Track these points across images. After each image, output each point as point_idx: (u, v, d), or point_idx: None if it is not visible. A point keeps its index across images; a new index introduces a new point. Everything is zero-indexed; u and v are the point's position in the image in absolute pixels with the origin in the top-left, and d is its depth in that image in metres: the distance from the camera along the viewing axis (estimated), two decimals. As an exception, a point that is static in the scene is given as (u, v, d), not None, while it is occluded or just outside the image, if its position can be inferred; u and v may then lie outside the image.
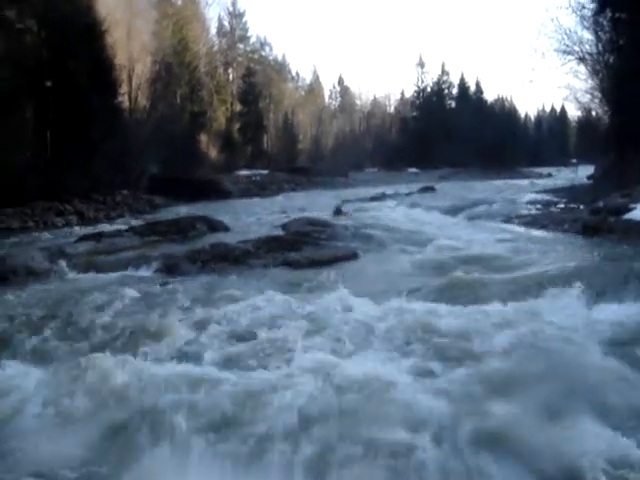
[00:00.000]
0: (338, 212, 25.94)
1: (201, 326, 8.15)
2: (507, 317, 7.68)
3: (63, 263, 13.66)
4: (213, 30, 76.04)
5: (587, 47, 34.81)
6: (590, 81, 36.24)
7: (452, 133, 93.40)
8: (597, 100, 37.71)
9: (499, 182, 58.77)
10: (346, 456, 4.54)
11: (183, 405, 5.29)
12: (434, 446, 4.59)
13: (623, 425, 4.79)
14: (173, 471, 4.57)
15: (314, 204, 35.04)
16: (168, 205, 37.86)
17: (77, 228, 23.95)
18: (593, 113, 43.38)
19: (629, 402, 5.19)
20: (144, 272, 13.33)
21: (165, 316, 8.65)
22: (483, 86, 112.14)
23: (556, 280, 10.06)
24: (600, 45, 33.85)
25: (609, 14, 32.61)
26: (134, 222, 25.28)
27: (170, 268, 13.42)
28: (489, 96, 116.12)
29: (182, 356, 7.01)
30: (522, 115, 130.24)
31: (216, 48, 75.29)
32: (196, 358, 6.93)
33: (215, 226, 21.13)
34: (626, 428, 4.74)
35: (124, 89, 42.98)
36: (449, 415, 5.03)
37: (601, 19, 33.25)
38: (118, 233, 19.68)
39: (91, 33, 34.05)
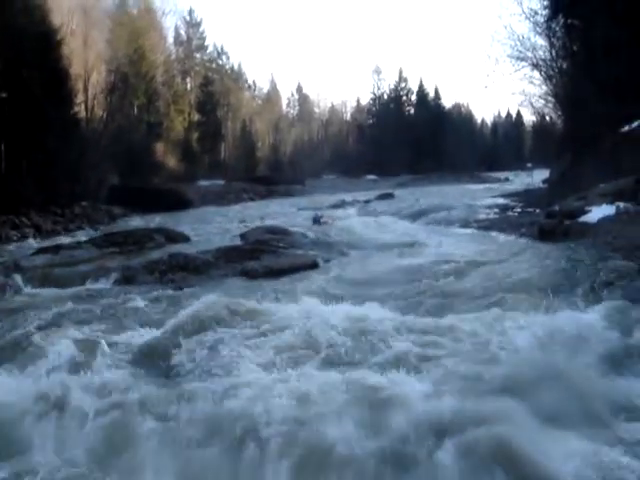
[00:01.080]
0: (317, 221, 25.50)
1: (146, 338, 8.17)
2: (463, 327, 7.75)
3: (18, 277, 13.49)
4: (170, 39, 75.86)
5: (540, 53, 35.30)
6: (544, 87, 36.72)
7: (411, 139, 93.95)
8: (551, 105, 38.25)
9: (457, 187, 59.18)
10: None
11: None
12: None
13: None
14: None
15: (273, 213, 35.14)
16: (127, 215, 37.63)
17: (34, 241, 23.70)
18: (547, 118, 43.95)
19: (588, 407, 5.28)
20: (102, 284, 13.23)
21: (112, 330, 8.59)
22: (441, 92, 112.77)
23: (512, 285, 10.21)
24: (553, 51, 34.32)
25: (562, 20, 33.05)
26: (93, 234, 25.09)
27: (128, 279, 13.37)
28: (447, 102, 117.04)
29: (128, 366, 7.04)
30: (479, 121, 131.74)
31: (173, 57, 74.99)
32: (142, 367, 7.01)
33: (174, 237, 21.07)
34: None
35: (80, 99, 42.61)
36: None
37: (554, 25, 33.69)
38: (76, 245, 19.52)
39: (46, 43, 33.73)
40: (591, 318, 7.64)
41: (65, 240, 22.85)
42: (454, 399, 5.31)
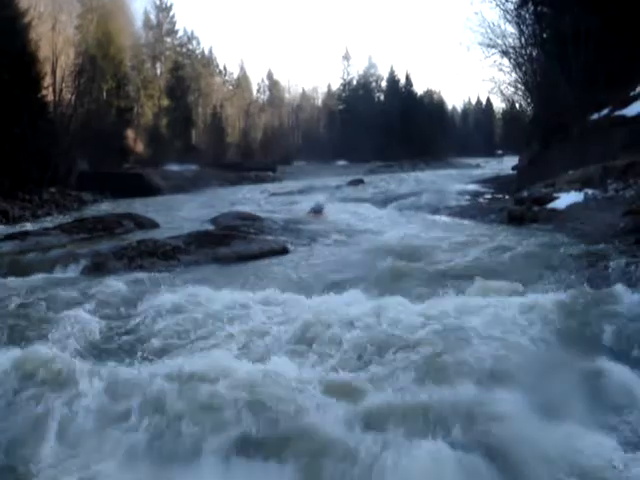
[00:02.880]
0: (319, 210, 22.72)
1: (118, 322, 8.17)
2: (429, 310, 7.83)
3: (-17, 265, 13.38)
4: (140, 24, 75.15)
5: (510, 40, 35.36)
6: (513, 74, 36.79)
7: (381, 125, 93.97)
8: (520, 93, 38.35)
9: (428, 173, 59.35)
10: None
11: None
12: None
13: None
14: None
15: (244, 199, 34.98)
16: (97, 201, 37.28)
17: (1, 227, 23.38)
18: (517, 105, 44.12)
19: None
20: (71, 271, 13.12)
21: (84, 314, 8.57)
22: (412, 79, 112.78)
23: (479, 270, 10.30)
24: (523, 38, 34.41)
25: (531, 8, 33.24)
26: (62, 220, 24.84)
27: (98, 266, 13.26)
28: (418, 89, 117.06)
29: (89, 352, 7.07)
30: (450, 107, 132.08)
31: (142, 41, 74.31)
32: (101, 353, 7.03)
33: (143, 222, 20.96)
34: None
35: (48, 82, 42.12)
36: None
37: (524, 13, 33.86)
38: (45, 232, 19.33)
39: (13, 26, 33.25)
40: (555, 301, 7.76)
41: (33, 226, 22.60)
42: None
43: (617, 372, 5.50)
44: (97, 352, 7.09)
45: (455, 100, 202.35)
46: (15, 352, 6.29)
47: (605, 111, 24.05)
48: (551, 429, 4.62)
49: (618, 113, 22.88)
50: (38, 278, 12.33)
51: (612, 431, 4.71)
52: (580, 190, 17.44)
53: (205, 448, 4.69)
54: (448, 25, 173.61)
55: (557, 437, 4.51)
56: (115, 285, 11.06)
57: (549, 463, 4.25)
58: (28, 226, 23.04)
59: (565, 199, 17.23)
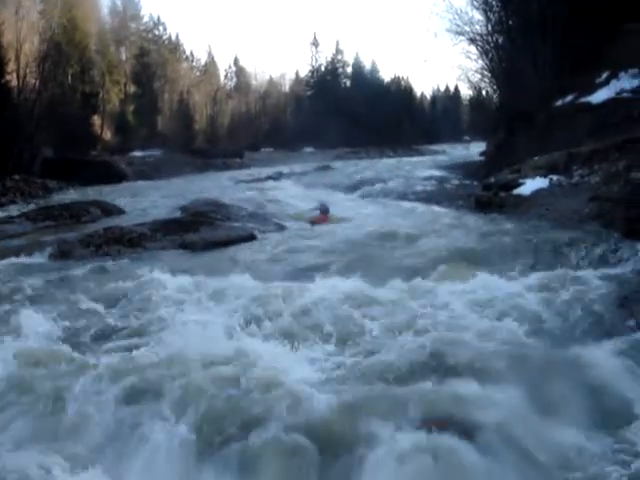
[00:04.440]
0: (325, 211, 17.73)
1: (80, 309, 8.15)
2: (396, 295, 7.89)
3: (-55, 253, 13.23)
4: (105, 9, 74.43)
5: (477, 27, 35.41)
6: (480, 61, 36.87)
7: (348, 112, 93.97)
8: (487, 80, 38.49)
9: (396, 160, 59.45)
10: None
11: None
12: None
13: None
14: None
15: (211, 186, 34.79)
16: (63, 189, 36.95)
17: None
18: (484, 92, 44.27)
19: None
20: (37, 258, 13.03)
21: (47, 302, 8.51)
22: (379, 66, 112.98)
23: (447, 255, 10.36)
24: (490, 26, 34.50)
25: (498, -6, 33.35)
26: (27, 208, 24.60)
27: (64, 253, 13.18)
28: (386, 76, 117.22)
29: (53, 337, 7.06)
30: (418, 94, 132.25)
31: (107, 27, 73.60)
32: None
33: (109, 210, 20.81)
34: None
35: (11, 67, 41.69)
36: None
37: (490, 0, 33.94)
38: (9, 219, 19.18)
39: (-25, 12, 32.91)
40: (522, 286, 7.85)
41: (-3, 214, 22.37)
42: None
43: (585, 355, 5.56)
44: (69, 340, 7.03)
45: (424, 87, 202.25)
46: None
47: (570, 98, 24.21)
48: (521, 416, 4.66)
49: (583, 100, 23.05)
50: (2, 265, 12.22)
51: (584, 417, 4.76)
52: (545, 176, 17.51)
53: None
54: (417, 10, 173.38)
55: (529, 424, 4.56)
56: (80, 272, 11.02)
57: (525, 450, 4.30)
58: (-9, 214, 22.78)
59: (531, 185, 17.30)
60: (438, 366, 5.52)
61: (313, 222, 17.06)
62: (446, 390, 4.98)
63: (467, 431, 4.39)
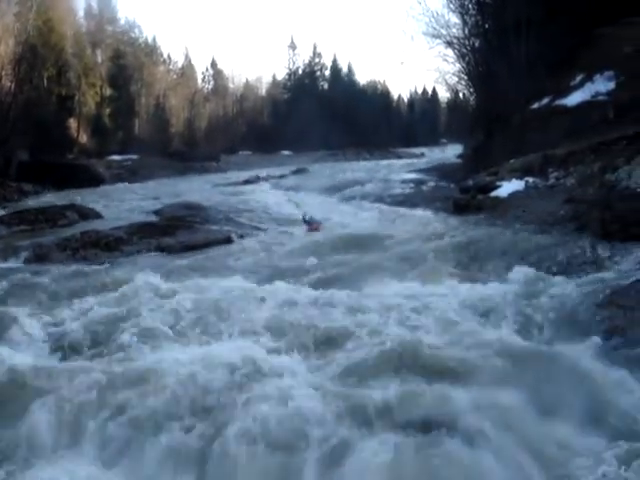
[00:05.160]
0: (308, 223, 16.84)
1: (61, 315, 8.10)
2: (370, 299, 7.92)
3: None
4: (81, 12, 73.98)
5: (454, 31, 35.45)
6: (457, 64, 36.95)
7: (325, 115, 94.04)
8: (464, 82, 38.60)
9: (373, 163, 59.61)
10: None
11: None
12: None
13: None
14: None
15: (189, 190, 34.71)
16: (38, 192, 36.65)
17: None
18: (461, 95, 44.41)
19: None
20: (13, 263, 12.95)
21: (26, 307, 8.44)
22: (356, 68, 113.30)
23: (425, 258, 10.40)
24: (466, 29, 34.58)
25: (474, -3, 33.48)
26: (2, 211, 24.40)
27: (40, 257, 13.12)
28: (362, 78, 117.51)
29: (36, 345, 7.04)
30: (395, 97, 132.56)
31: (84, 30, 73.18)
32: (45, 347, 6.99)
33: (86, 213, 20.71)
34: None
35: (-14, 71, 41.45)
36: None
37: (467, 3, 34.03)
38: (-18, 223, 19.02)
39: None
40: (500, 288, 7.91)
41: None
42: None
43: (556, 356, 5.60)
44: (47, 348, 7.01)
45: (402, 89, 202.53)
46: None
47: (545, 100, 24.37)
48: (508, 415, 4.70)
49: (558, 102, 23.20)
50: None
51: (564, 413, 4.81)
52: (521, 178, 17.62)
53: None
54: (394, 13, 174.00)
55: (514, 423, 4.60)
56: (56, 276, 10.97)
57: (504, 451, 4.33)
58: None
59: (507, 187, 17.40)
60: (416, 368, 5.56)
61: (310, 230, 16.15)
62: (430, 391, 5.00)
63: (454, 431, 4.43)
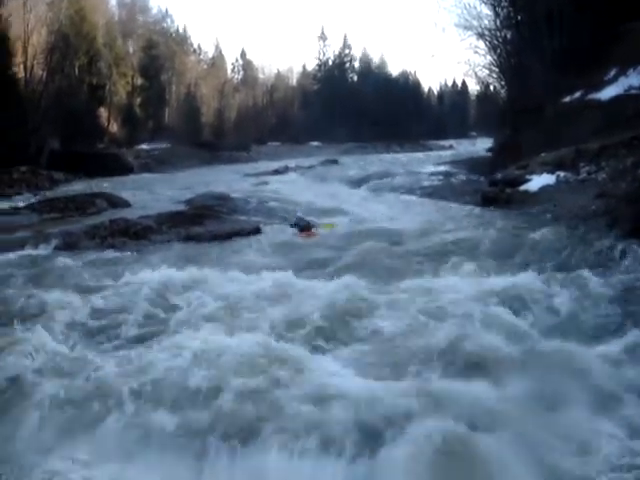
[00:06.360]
0: (299, 226, 14.70)
1: (90, 302, 8.13)
2: (406, 290, 7.88)
3: (-47, 244, 13.25)
4: (113, 1, 74.30)
5: (486, 22, 35.24)
6: (488, 56, 36.70)
7: (355, 107, 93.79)
8: (495, 75, 38.33)
9: (402, 155, 59.43)
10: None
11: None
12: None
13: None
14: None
15: (218, 179, 34.75)
16: (69, 181, 36.89)
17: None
18: (491, 88, 44.10)
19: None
20: (43, 250, 13.03)
21: (56, 294, 8.47)
22: (387, 60, 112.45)
23: (454, 250, 10.34)
24: (498, 21, 34.34)
25: (507, -11, 33.19)
26: (33, 199, 24.60)
27: (69, 245, 13.20)
28: (393, 70, 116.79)
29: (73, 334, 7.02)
30: (425, 89, 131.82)
31: (116, 19, 73.47)
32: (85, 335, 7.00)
33: (116, 202, 20.83)
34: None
35: (19, 59, 41.69)
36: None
37: (499, -6, 33.79)
38: (15, 211, 19.22)
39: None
40: (528, 282, 7.83)
41: (3, 205, 22.34)
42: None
43: (582, 353, 5.55)
44: (80, 334, 7.04)
45: (432, 82, 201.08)
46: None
47: (578, 94, 24.14)
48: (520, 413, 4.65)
49: (591, 96, 22.98)
50: (8, 257, 12.23)
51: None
52: (552, 172, 17.50)
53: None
54: (425, 5, 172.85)
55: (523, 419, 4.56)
56: (85, 264, 11.04)
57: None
58: (-2, 205, 22.77)
59: (538, 181, 17.30)
60: (449, 361, 5.56)
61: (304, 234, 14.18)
62: (458, 385, 4.99)
63: (479, 425, 4.41)
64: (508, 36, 33.96)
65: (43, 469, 4.32)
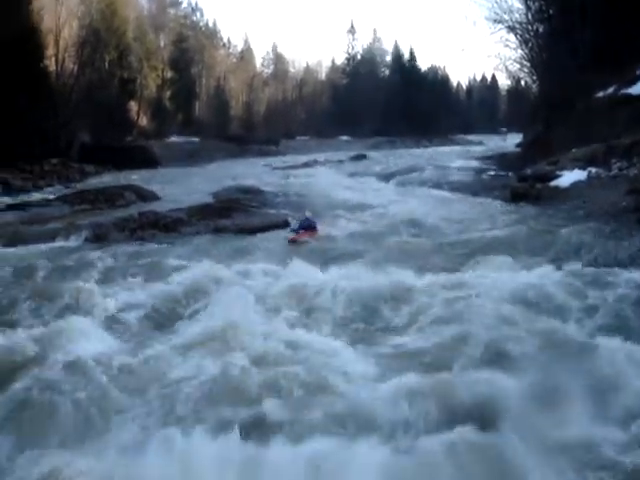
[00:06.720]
0: (309, 227, 13.38)
1: (122, 295, 8.19)
2: (436, 285, 7.86)
3: (-13, 235, 13.40)
4: (143, -5, 74.63)
5: (517, 16, 35.08)
6: (519, 50, 36.52)
7: (384, 101, 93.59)
8: (526, 69, 38.11)
9: (431, 150, 59.27)
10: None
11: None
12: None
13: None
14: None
15: (247, 172, 34.83)
16: (98, 173, 37.21)
17: (3, 198, 23.29)
18: (522, 82, 43.86)
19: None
20: (73, 242, 13.15)
21: (88, 286, 8.51)
22: (416, 54, 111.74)
23: (483, 246, 10.28)
24: (529, 14, 34.13)
25: (538, -18, 32.94)
26: (64, 191, 24.82)
27: (99, 237, 13.30)
28: (422, 64, 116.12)
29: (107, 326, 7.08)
30: (454, 84, 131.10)
31: (146, 13, 73.82)
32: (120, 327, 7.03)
33: (145, 195, 20.95)
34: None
35: (50, 52, 42.03)
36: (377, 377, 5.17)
37: (531, -13, 33.55)
38: (46, 202, 19.42)
39: (17, -1, 33.24)
40: (555, 278, 7.77)
41: (35, 197, 22.57)
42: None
43: (609, 349, 5.51)
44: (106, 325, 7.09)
45: (460, 76, 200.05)
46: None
47: (610, 89, 23.89)
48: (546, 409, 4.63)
49: (623, 92, 22.73)
50: (40, 248, 12.36)
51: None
52: (584, 168, 17.37)
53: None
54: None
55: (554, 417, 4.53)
56: (114, 256, 11.13)
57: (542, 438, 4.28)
58: (30, 196, 22.98)
59: (568, 177, 17.18)
60: (478, 355, 5.58)
61: (293, 240, 12.74)
62: (487, 378, 5.00)
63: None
64: (540, 30, 33.74)
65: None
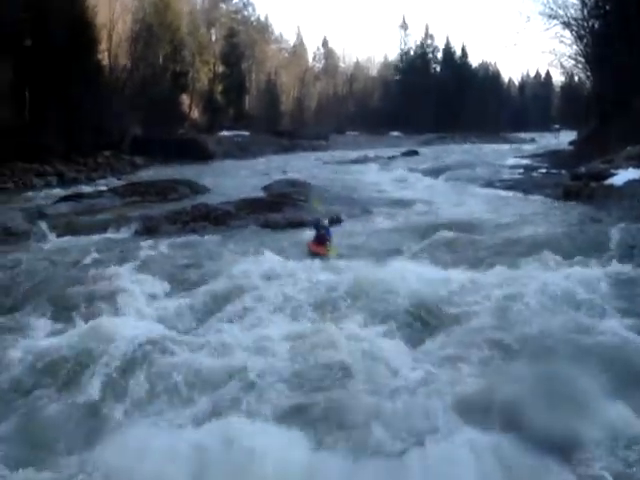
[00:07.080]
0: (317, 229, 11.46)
1: (178, 286, 8.24)
2: (487, 281, 7.80)
3: (43, 224, 13.59)
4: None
5: (572, 12, 34.58)
6: (574, 46, 36.05)
7: (436, 98, 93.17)
8: (581, 66, 37.62)
9: (482, 147, 58.77)
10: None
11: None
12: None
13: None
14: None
15: (297, 167, 34.89)
16: (149, 166, 37.59)
17: (57, 189, 23.62)
18: (576, 79, 43.32)
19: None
20: (124, 233, 13.31)
21: (145, 278, 8.59)
22: (468, 50, 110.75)
23: (535, 244, 10.15)
24: (585, 10, 33.67)
25: (594, -23, 32.47)
26: (115, 183, 25.12)
27: (150, 229, 13.43)
28: (473, 61, 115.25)
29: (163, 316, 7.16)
30: (506, 80, 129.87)
31: (198, 8, 74.44)
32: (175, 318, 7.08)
33: (196, 188, 21.11)
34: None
35: (104, 47, 42.61)
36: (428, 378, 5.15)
37: (586, -17, 33.08)
38: (98, 194, 19.63)
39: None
40: (609, 278, 7.68)
41: (88, 188, 22.86)
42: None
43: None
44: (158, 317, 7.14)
45: (512, 72, 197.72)
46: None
47: (668, 86, 23.51)
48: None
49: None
50: (92, 239, 12.52)
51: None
52: (639, 167, 17.09)
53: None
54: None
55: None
56: (167, 247, 11.25)
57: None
58: (83, 188, 23.28)
59: (623, 176, 16.89)
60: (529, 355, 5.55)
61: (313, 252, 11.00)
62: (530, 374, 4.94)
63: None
64: (595, 26, 33.26)
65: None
